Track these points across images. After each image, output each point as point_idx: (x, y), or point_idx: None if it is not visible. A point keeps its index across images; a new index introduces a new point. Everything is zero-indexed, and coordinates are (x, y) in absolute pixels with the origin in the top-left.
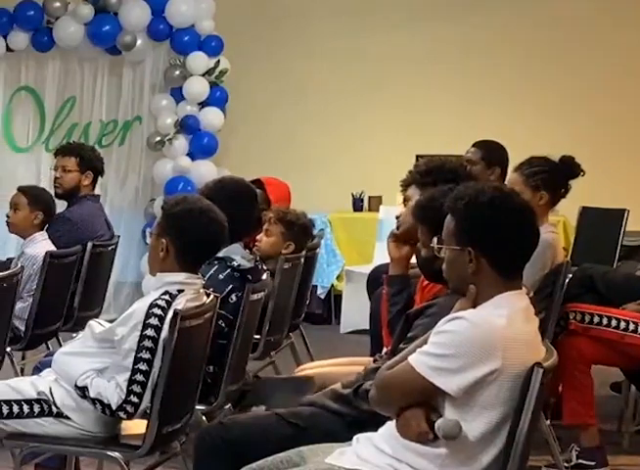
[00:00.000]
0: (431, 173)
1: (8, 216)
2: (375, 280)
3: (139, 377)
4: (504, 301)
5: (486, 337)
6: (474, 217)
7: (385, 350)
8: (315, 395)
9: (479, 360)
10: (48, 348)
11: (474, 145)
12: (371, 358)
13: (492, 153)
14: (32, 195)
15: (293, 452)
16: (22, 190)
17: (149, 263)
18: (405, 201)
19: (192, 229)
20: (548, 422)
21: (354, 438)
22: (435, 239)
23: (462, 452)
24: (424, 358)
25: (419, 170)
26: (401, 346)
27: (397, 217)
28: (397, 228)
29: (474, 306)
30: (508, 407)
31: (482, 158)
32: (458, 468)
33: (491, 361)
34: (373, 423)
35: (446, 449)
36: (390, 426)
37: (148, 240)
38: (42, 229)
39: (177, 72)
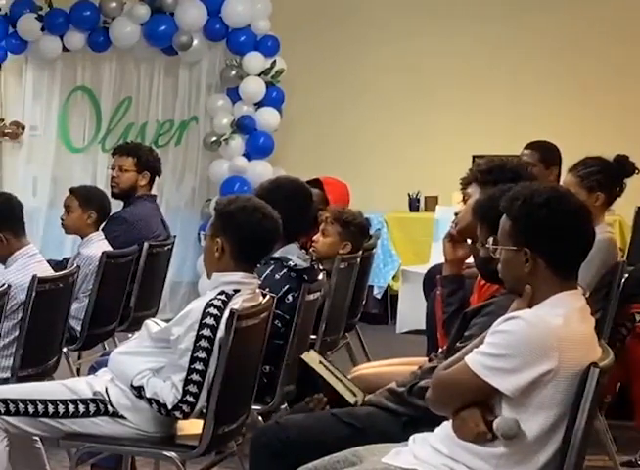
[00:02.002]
0: (492, 173)
1: (62, 219)
2: (431, 280)
3: (195, 377)
4: (560, 301)
5: (542, 337)
6: (530, 218)
7: (440, 350)
8: (371, 394)
9: (534, 360)
10: (104, 348)
11: (527, 146)
12: (425, 358)
13: (549, 154)
14: (83, 195)
15: (349, 452)
16: (72, 191)
17: (205, 265)
18: (465, 199)
19: (246, 226)
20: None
21: (410, 438)
22: (491, 239)
23: (518, 453)
24: (480, 358)
25: (480, 169)
26: (458, 344)
27: (456, 214)
28: (455, 225)
29: (530, 307)
30: (564, 407)
31: (541, 159)
32: (514, 468)
33: (547, 361)
34: (428, 421)
35: (502, 450)
36: (446, 426)
37: (202, 243)
38: (98, 228)
39: (233, 73)
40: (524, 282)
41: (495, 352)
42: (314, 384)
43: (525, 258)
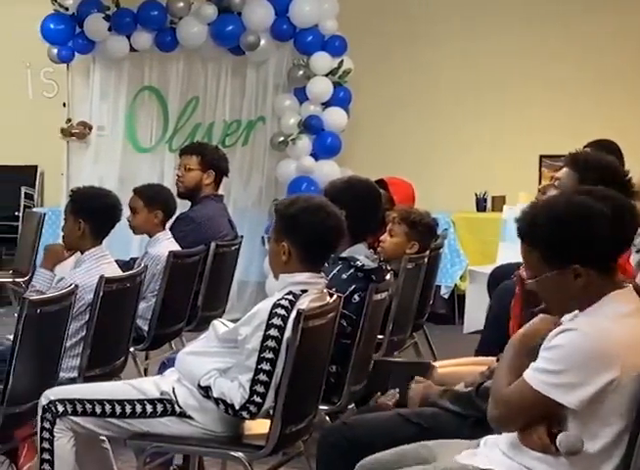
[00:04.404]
0: (589, 168)
1: (129, 220)
2: (496, 280)
3: (262, 377)
4: (613, 301)
5: (601, 346)
6: (561, 236)
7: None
8: (436, 395)
9: (596, 371)
10: (171, 347)
11: (587, 146)
12: (494, 358)
13: (609, 152)
14: (147, 196)
15: (419, 445)
16: (136, 192)
17: (271, 268)
18: (553, 177)
19: (310, 227)
20: None
21: (482, 440)
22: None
23: (582, 461)
24: (539, 376)
25: (582, 161)
26: None
27: (540, 191)
28: None
29: (581, 310)
30: (630, 416)
31: None
32: None
33: (609, 371)
34: None
35: (566, 460)
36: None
37: (266, 246)
38: (165, 226)
39: (301, 73)
40: (577, 297)
41: (554, 369)
42: (382, 384)
43: (574, 275)
